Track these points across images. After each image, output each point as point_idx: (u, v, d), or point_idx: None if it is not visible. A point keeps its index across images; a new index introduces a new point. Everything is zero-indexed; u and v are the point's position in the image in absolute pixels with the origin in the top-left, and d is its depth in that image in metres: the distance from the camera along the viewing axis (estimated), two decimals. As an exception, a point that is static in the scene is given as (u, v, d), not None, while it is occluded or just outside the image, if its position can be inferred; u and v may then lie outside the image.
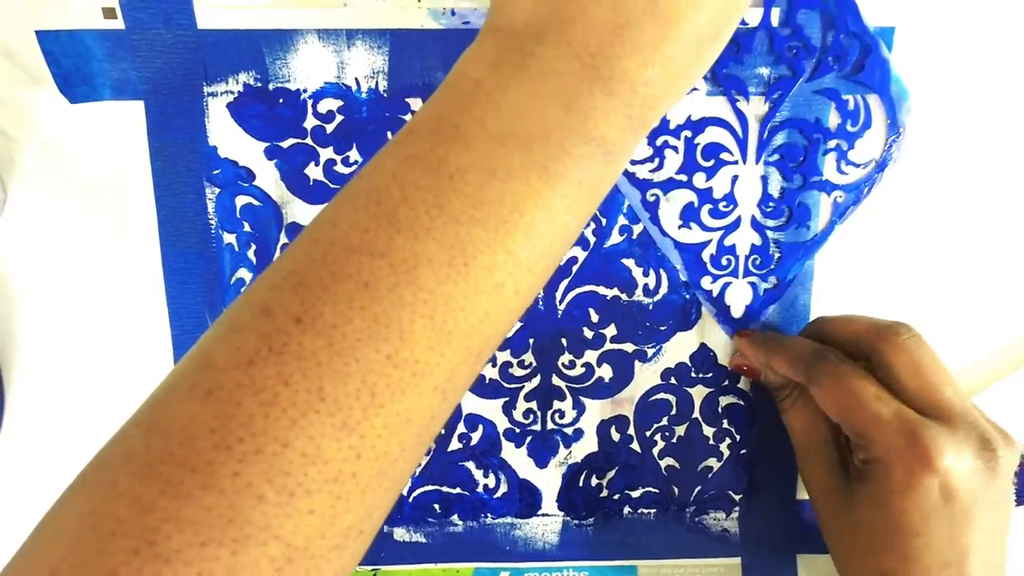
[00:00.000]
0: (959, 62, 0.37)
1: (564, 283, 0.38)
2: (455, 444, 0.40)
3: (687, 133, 0.36)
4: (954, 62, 0.37)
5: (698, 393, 0.40)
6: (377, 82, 0.35)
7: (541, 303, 0.38)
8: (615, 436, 0.40)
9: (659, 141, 0.36)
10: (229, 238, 0.37)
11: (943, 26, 0.36)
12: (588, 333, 0.39)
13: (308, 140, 0.36)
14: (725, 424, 0.40)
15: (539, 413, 0.40)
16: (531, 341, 0.39)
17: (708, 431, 0.40)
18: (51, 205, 0.37)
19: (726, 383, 0.40)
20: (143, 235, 0.37)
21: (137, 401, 0.40)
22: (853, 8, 0.35)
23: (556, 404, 0.40)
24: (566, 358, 0.39)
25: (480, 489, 0.41)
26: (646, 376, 0.39)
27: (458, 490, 0.41)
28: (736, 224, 0.37)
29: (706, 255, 0.38)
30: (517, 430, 0.40)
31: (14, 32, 0.35)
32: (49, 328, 0.38)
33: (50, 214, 0.37)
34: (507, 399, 0.39)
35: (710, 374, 0.39)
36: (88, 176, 0.37)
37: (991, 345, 0.40)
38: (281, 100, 0.35)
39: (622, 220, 0.37)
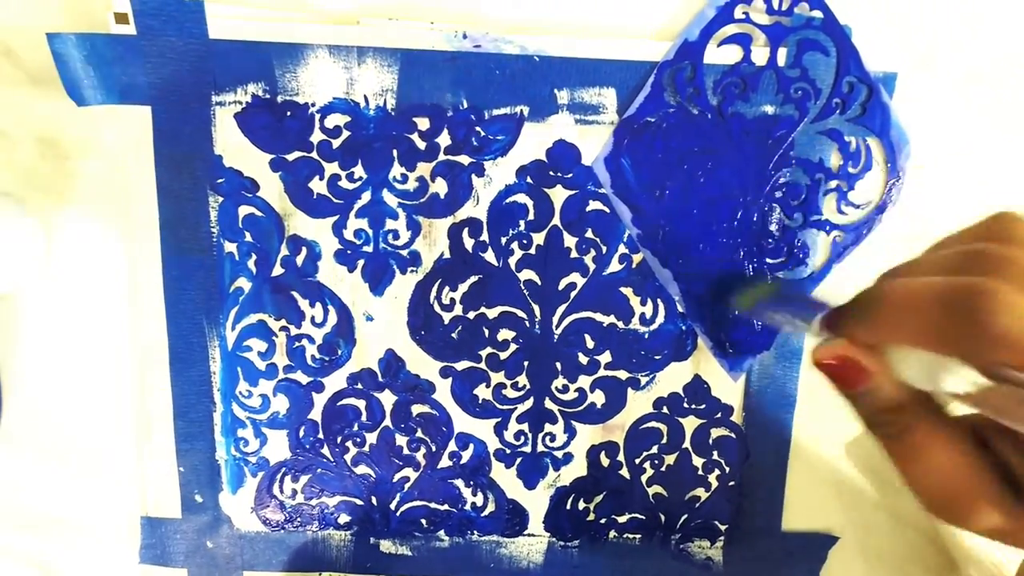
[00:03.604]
0: (960, 109, 0.37)
1: (562, 308, 0.38)
2: (445, 462, 0.40)
3: (692, 161, 0.36)
4: (955, 109, 0.37)
5: (689, 423, 0.40)
6: (385, 100, 0.35)
7: (538, 326, 0.38)
8: (605, 461, 0.40)
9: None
10: (230, 247, 0.37)
11: (945, 73, 0.37)
12: (583, 359, 0.39)
13: (314, 154, 0.36)
14: (715, 456, 0.40)
15: (530, 435, 0.40)
16: (526, 364, 0.39)
17: (698, 461, 0.40)
18: (51, 207, 0.37)
19: (718, 415, 0.40)
20: (145, 239, 0.37)
21: (132, 404, 0.40)
22: (855, 53, 0.35)
23: (548, 427, 0.40)
24: (560, 382, 0.39)
25: (468, 507, 0.41)
26: (638, 404, 0.40)
27: (446, 507, 0.41)
28: (736, 259, 0.38)
29: (704, 288, 0.38)
30: (508, 451, 0.40)
31: (14, 32, 0.35)
32: (47, 331, 0.38)
33: (50, 216, 0.37)
34: (499, 420, 0.40)
35: (703, 405, 0.40)
36: (90, 178, 0.37)
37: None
38: (289, 113, 0.36)
39: (622, 248, 0.37)
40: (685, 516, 0.41)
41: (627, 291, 0.38)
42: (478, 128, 0.36)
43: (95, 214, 0.37)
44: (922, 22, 0.36)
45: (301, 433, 0.40)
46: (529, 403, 0.39)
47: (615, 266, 0.38)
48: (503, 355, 0.39)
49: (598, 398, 0.39)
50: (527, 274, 0.38)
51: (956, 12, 0.36)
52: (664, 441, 0.40)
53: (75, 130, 0.36)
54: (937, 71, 0.37)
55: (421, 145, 0.36)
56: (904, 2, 0.36)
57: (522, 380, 0.39)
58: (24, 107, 0.36)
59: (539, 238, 0.37)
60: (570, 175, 0.37)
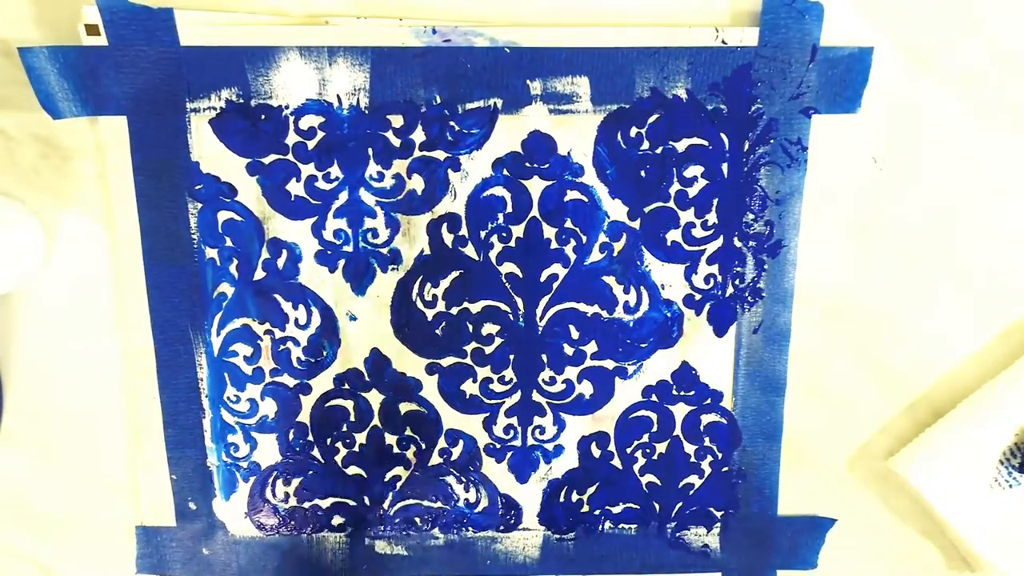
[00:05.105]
0: (938, 82, 0.37)
1: (545, 300, 0.38)
2: (436, 459, 0.40)
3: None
4: (933, 82, 0.37)
5: (679, 411, 0.40)
6: (358, 99, 0.35)
7: (522, 319, 0.38)
8: (596, 452, 0.40)
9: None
10: (211, 252, 0.37)
11: (922, 47, 0.36)
12: (569, 350, 0.39)
13: (289, 156, 0.36)
14: (707, 442, 0.40)
15: (520, 429, 0.40)
16: (512, 357, 0.39)
17: (689, 448, 0.40)
18: (51, 207, 0.37)
19: (708, 401, 0.40)
20: (127, 248, 0.37)
21: (122, 408, 0.40)
22: (830, 30, 0.35)
23: (537, 420, 0.40)
24: (547, 374, 0.39)
25: (461, 503, 0.41)
26: (627, 393, 0.39)
27: (439, 504, 0.41)
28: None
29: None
30: (498, 445, 0.40)
31: (14, 33, 0.35)
32: (47, 331, 0.39)
33: (50, 216, 0.37)
34: (487, 415, 0.40)
35: (692, 392, 0.39)
36: (90, 178, 0.37)
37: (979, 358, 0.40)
38: (263, 116, 0.36)
39: (603, 238, 0.37)
40: (680, 504, 0.41)
41: (609, 280, 0.38)
42: (452, 123, 0.36)
43: (95, 214, 0.37)
44: (895, -4, 0.36)
45: (291, 436, 0.40)
46: (517, 397, 0.39)
47: (596, 255, 0.37)
48: (488, 349, 0.38)
49: (586, 389, 0.39)
50: (508, 267, 0.37)
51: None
52: (654, 429, 0.40)
53: (75, 130, 0.36)
54: (912, 46, 0.36)
55: (396, 142, 0.36)
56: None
57: (508, 374, 0.39)
58: (24, 107, 0.36)
59: (518, 230, 0.37)
60: (546, 165, 0.37)
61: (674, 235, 0.37)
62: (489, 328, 0.38)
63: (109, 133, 0.36)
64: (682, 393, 0.39)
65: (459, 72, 0.35)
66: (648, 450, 0.40)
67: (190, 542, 0.41)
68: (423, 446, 0.40)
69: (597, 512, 0.41)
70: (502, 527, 0.41)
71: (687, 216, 0.37)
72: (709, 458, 0.40)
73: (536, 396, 0.39)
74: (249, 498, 0.40)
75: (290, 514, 0.41)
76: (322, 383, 0.39)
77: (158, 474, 0.40)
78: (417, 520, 0.41)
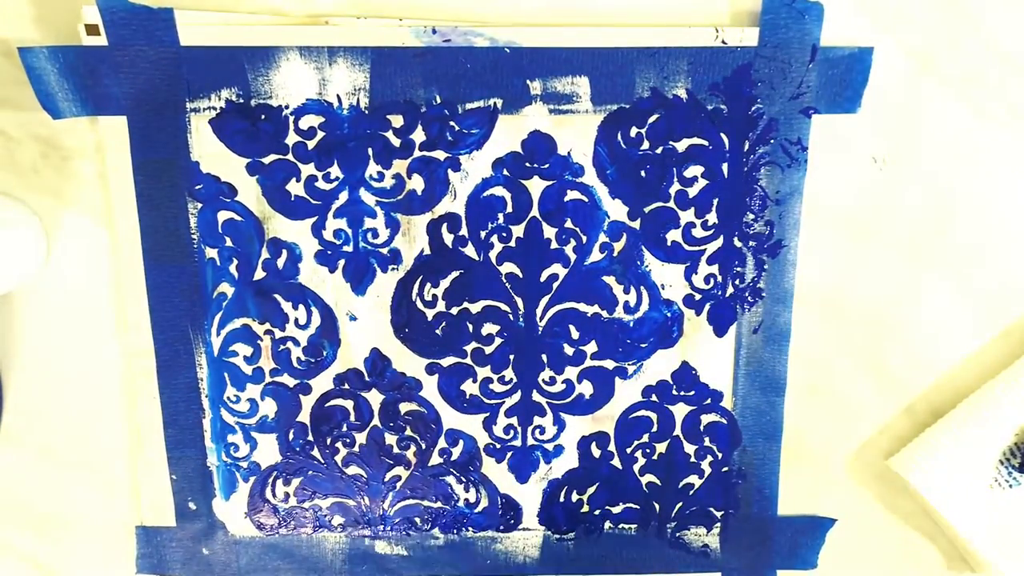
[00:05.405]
0: (938, 82, 0.37)
1: (545, 300, 0.38)
2: (436, 459, 0.40)
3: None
4: (933, 82, 0.37)
5: (679, 411, 0.40)
6: (358, 99, 0.35)
7: (522, 319, 0.38)
8: (596, 452, 0.40)
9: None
10: (211, 252, 0.37)
11: (922, 47, 0.36)
12: (569, 350, 0.39)
13: (289, 156, 0.36)
14: (707, 442, 0.40)
15: (520, 429, 0.40)
16: (512, 357, 0.39)
17: (689, 448, 0.40)
18: (51, 207, 0.37)
19: (708, 401, 0.40)
20: (127, 248, 0.37)
21: (122, 408, 0.40)
22: (830, 30, 0.35)
23: (537, 420, 0.40)
24: (547, 374, 0.39)
25: (461, 503, 0.41)
26: (627, 393, 0.39)
27: (439, 504, 0.41)
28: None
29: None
30: (498, 445, 0.40)
31: (14, 33, 0.35)
32: (47, 331, 0.39)
33: (50, 216, 0.37)
34: (487, 415, 0.40)
35: (692, 392, 0.39)
36: (90, 178, 0.37)
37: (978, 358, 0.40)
38: (263, 116, 0.36)
39: (603, 237, 0.37)
40: (680, 504, 0.41)
41: (609, 280, 0.38)
42: (452, 123, 0.36)
43: (95, 214, 0.37)
44: (895, -4, 0.36)
45: (291, 436, 0.40)
46: (517, 397, 0.39)
47: (596, 255, 0.38)
48: (488, 349, 0.38)
49: (586, 389, 0.39)
50: (508, 267, 0.37)
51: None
52: (654, 429, 0.40)
53: (75, 130, 0.36)
54: (913, 46, 0.36)
55: (396, 142, 0.36)
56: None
57: (508, 374, 0.39)
58: (24, 107, 0.36)
59: (518, 230, 0.37)
60: (546, 165, 0.37)
61: (674, 235, 0.37)
62: (489, 328, 0.38)
63: (109, 133, 0.36)
64: (682, 393, 0.39)
65: (459, 72, 0.35)
66: (648, 450, 0.40)
67: (190, 542, 0.41)
68: (423, 446, 0.40)
69: (597, 512, 0.41)
70: (502, 527, 0.41)
71: (687, 216, 0.37)
72: (709, 458, 0.40)
73: (536, 396, 0.39)
74: (249, 498, 0.40)
75: (290, 514, 0.41)
76: (322, 383, 0.39)
77: (158, 474, 0.40)
78: (417, 520, 0.41)
